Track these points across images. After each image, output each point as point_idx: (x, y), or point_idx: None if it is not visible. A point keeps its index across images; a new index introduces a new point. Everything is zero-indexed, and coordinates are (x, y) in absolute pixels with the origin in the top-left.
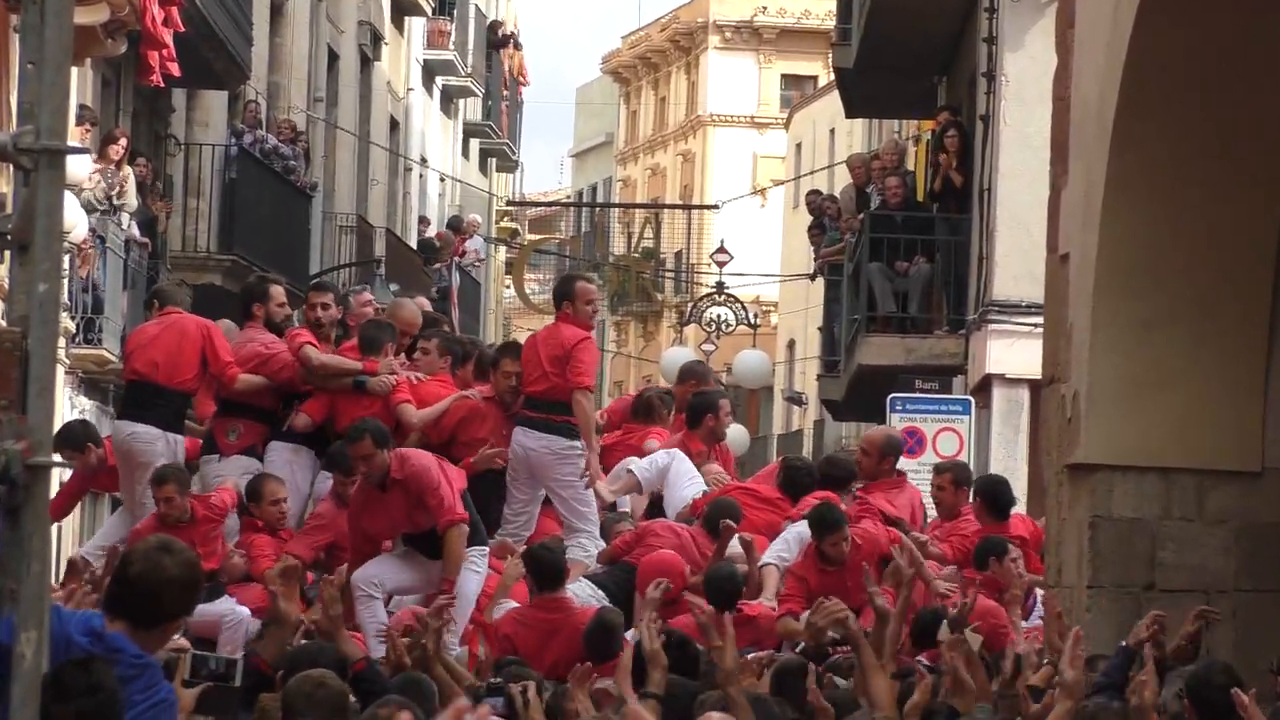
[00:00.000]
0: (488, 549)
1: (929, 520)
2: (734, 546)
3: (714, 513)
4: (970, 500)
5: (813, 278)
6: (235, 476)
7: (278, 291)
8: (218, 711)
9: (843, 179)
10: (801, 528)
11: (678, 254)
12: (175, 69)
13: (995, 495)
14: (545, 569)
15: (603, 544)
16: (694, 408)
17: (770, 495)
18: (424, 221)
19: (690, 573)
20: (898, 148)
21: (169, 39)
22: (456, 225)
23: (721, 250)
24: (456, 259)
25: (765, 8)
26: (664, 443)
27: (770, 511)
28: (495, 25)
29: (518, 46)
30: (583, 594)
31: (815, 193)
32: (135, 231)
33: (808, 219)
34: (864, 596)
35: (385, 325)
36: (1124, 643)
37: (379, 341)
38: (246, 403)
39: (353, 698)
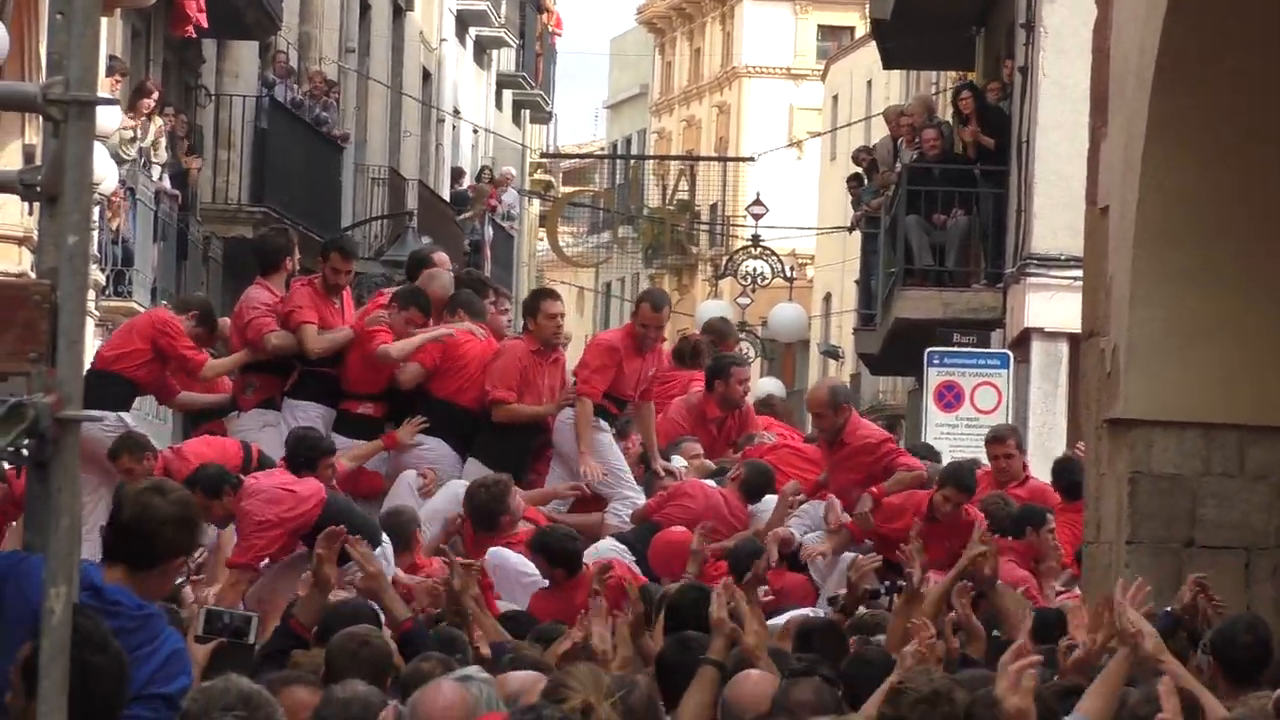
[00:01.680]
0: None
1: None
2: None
3: (752, 476)
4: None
5: (849, 230)
6: (256, 430)
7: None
8: (236, 668)
9: (879, 132)
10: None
11: (713, 207)
12: (204, 19)
13: (1068, 476)
14: (556, 554)
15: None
16: (708, 371)
17: (815, 455)
18: (459, 174)
19: (708, 534)
20: (924, 105)
21: None
22: (490, 178)
23: (757, 203)
24: (489, 212)
25: None
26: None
27: (815, 469)
28: None
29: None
30: (603, 547)
31: (865, 150)
32: (165, 183)
33: (844, 171)
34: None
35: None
36: (1169, 609)
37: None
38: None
39: (398, 658)
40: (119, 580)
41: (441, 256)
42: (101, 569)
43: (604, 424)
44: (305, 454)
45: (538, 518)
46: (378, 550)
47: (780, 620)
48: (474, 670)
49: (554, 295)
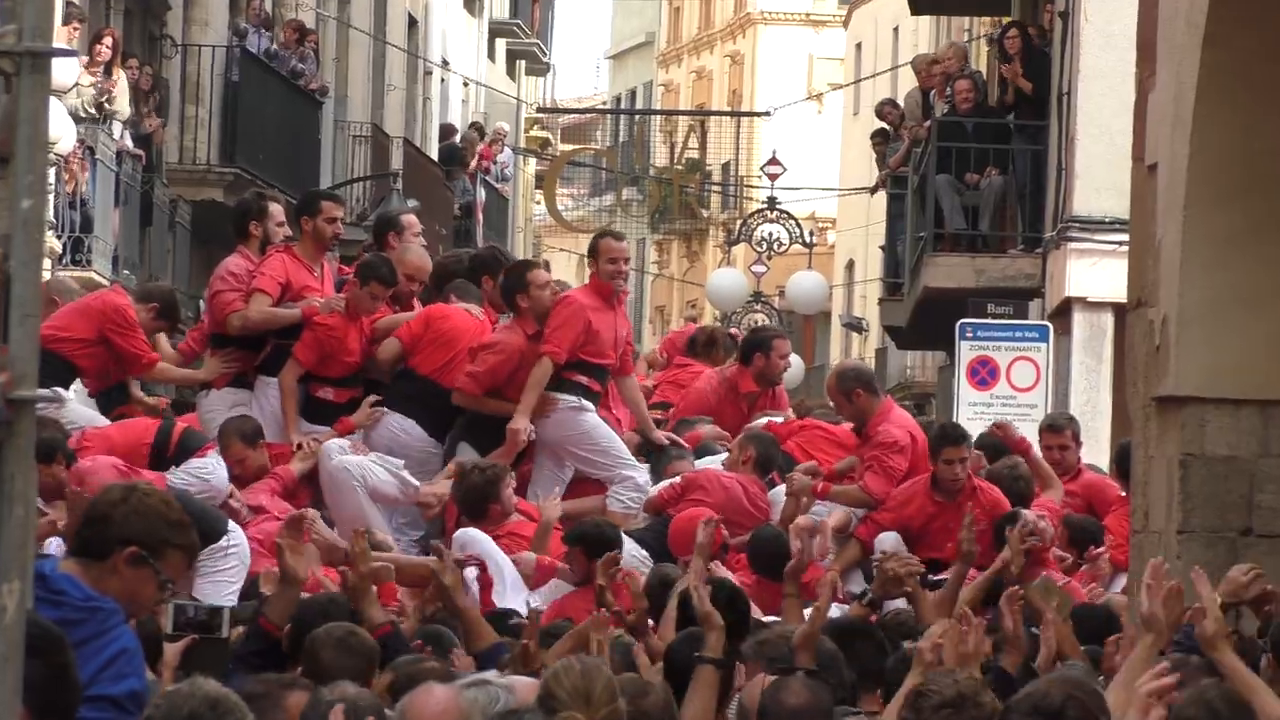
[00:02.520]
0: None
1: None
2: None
3: (761, 451)
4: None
5: (873, 191)
6: (224, 411)
7: (277, 209)
8: (206, 667)
9: (906, 84)
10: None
11: (725, 166)
12: None
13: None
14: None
15: (648, 483)
16: (746, 343)
17: (846, 437)
18: (448, 131)
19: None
20: (959, 51)
21: None
22: (480, 132)
23: (773, 162)
24: (481, 172)
25: None
26: (713, 378)
27: (843, 453)
28: None
29: None
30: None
31: (891, 103)
32: (128, 142)
33: (868, 127)
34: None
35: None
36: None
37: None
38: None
39: None
40: (71, 572)
41: (410, 219)
42: (48, 561)
43: (586, 403)
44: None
45: (531, 510)
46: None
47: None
48: (490, 674)
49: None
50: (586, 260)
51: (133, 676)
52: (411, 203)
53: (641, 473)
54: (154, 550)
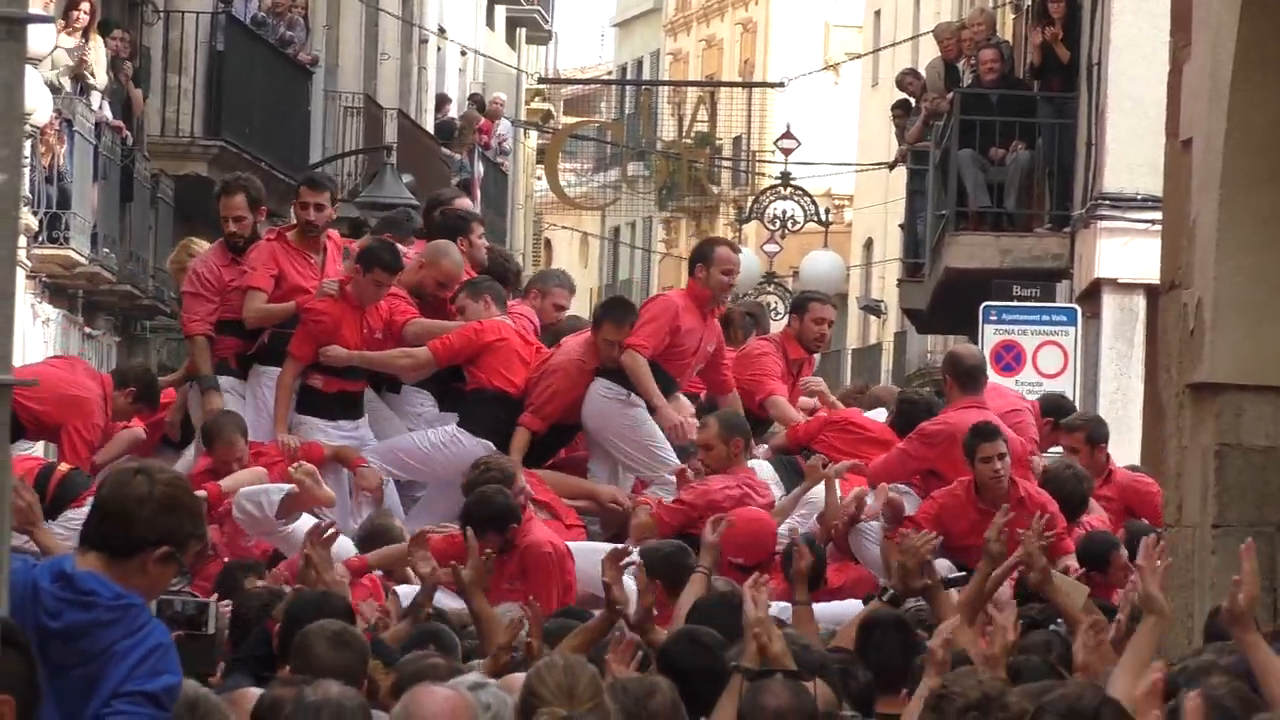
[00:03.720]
0: None
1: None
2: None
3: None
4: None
5: (892, 166)
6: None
7: (230, 203)
8: (194, 664)
9: (928, 53)
10: None
11: (736, 140)
12: None
13: None
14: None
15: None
16: (790, 306)
17: (881, 433)
18: (444, 102)
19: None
20: (987, 16)
21: None
22: (479, 106)
23: (787, 135)
24: (480, 146)
25: None
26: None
27: (881, 452)
28: None
29: None
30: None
31: (912, 73)
32: (107, 113)
33: (888, 99)
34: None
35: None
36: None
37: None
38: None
39: None
40: (94, 569)
41: (465, 202)
42: (66, 559)
43: (634, 397)
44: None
45: (560, 508)
46: None
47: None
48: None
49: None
50: (689, 263)
51: (168, 673)
52: (406, 178)
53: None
54: (180, 545)
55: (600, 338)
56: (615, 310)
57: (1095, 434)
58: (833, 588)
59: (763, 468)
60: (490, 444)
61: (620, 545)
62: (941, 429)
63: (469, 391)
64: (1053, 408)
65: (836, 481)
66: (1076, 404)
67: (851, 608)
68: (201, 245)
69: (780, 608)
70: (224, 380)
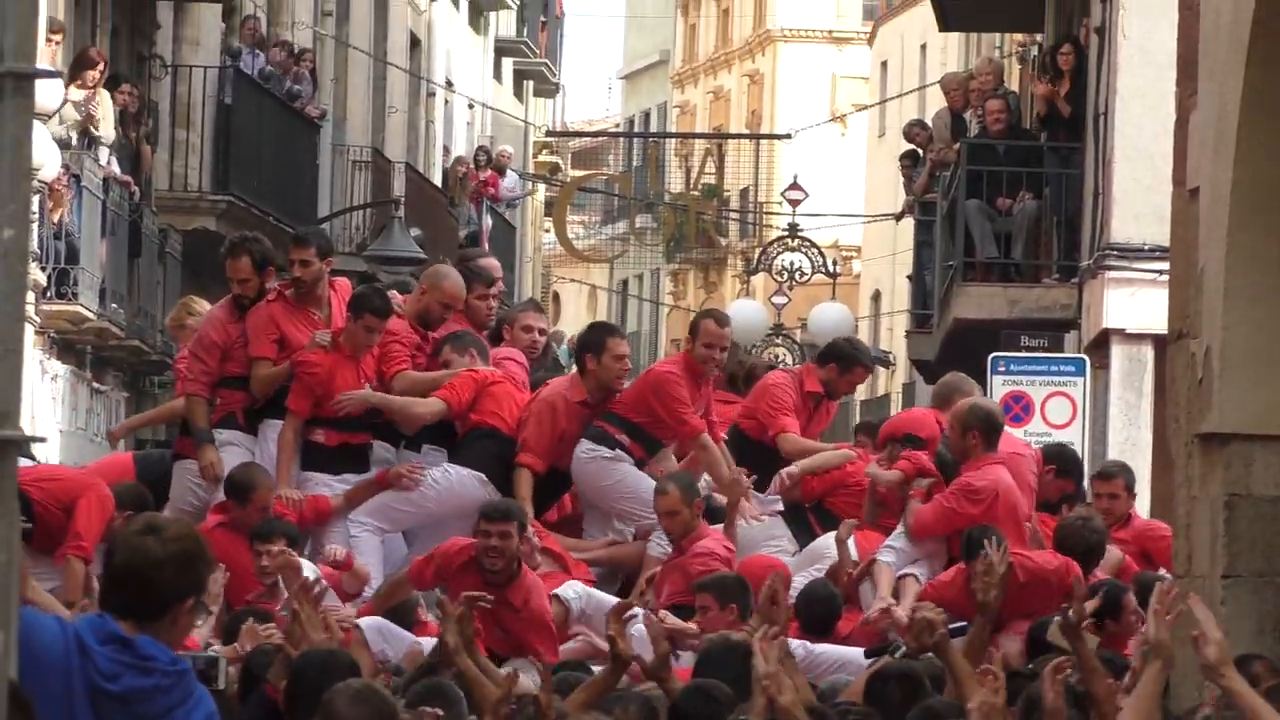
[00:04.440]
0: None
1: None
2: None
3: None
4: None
5: (898, 218)
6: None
7: (235, 266)
8: None
9: (935, 104)
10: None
11: (744, 192)
12: None
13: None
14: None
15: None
16: (833, 347)
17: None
18: (463, 163)
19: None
20: (995, 66)
21: None
22: (486, 159)
23: (795, 187)
24: (488, 199)
25: None
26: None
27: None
28: None
29: None
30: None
31: (919, 124)
32: (115, 168)
33: (894, 150)
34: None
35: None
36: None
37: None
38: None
39: None
40: (136, 633)
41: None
42: (109, 621)
43: (620, 453)
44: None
45: (569, 558)
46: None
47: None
48: None
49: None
50: (687, 336)
51: None
52: (414, 232)
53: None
54: (202, 590)
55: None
56: (591, 340)
57: (1130, 481)
58: (842, 635)
59: (775, 525)
60: (483, 475)
61: (624, 600)
62: (988, 486)
63: (463, 433)
64: (1054, 456)
65: (850, 540)
66: (1085, 454)
67: (853, 654)
68: (202, 304)
69: (793, 645)
70: (231, 434)
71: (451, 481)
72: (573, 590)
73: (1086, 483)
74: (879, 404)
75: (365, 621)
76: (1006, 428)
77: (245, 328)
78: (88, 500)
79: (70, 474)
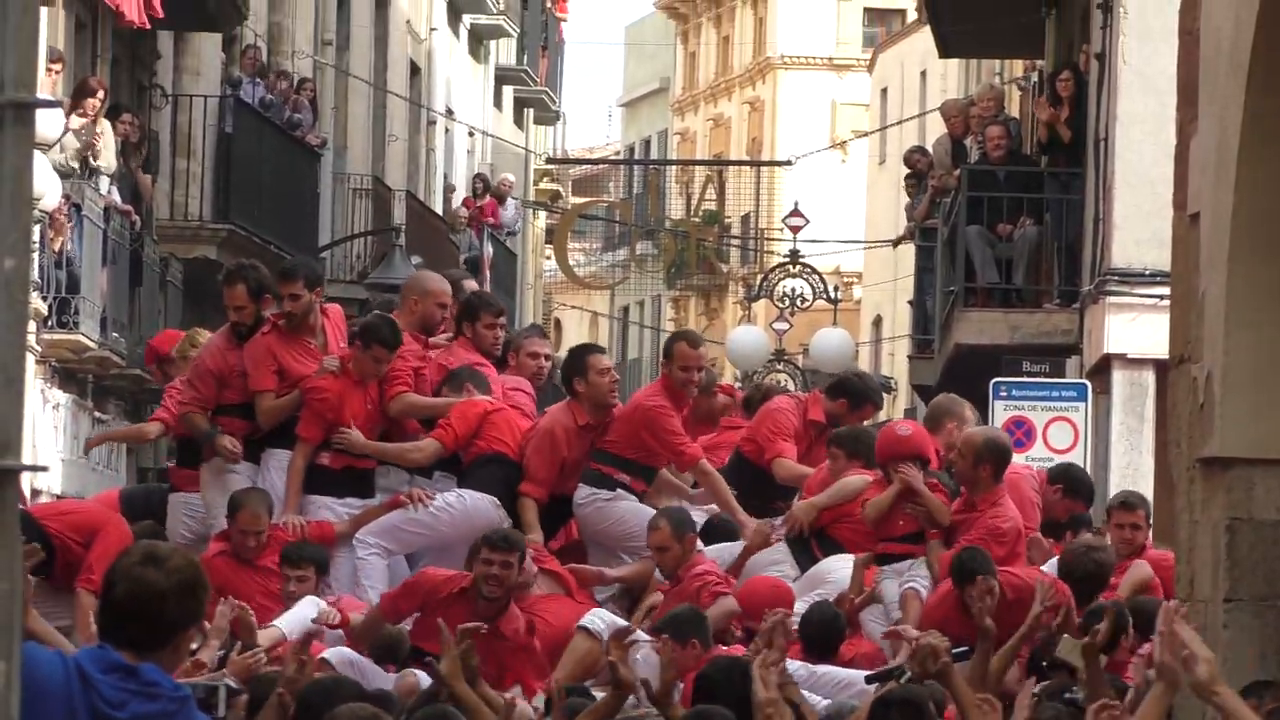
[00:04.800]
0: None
1: None
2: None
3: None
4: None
5: (896, 244)
6: (213, 477)
7: (232, 294)
8: None
9: (935, 130)
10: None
11: (745, 218)
12: (158, 7)
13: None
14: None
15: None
16: (845, 383)
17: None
18: (451, 190)
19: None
20: (996, 93)
21: None
22: (485, 186)
23: (795, 213)
24: (489, 227)
25: None
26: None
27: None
28: None
29: None
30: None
31: (919, 150)
32: (116, 198)
33: (894, 176)
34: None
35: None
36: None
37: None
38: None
39: None
40: (138, 660)
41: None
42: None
43: (620, 491)
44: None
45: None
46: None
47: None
48: None
49: (596, 349)
50: (662, 360)
51: None
52: (415, 260)
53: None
54: (202, 618)
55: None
56: (575, 363)
57: (1149, 512)
58: (844, 660)
59: (777, 549)
60: (496, 499)
61: (625, 624)
62: (1013, 528)
63: (470, 460)
64: (1061, 475)
65: (862, 570)
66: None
67: (855, 675)
68: (206, 336)
69: (794, 667)
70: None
71: (466, 506)
72: (601, 620)
73: (1100, 506)
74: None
75: (334, 653)
76: (1015, 457)
77: (243, 359)
78: (106, 534)
79: (89, 507)
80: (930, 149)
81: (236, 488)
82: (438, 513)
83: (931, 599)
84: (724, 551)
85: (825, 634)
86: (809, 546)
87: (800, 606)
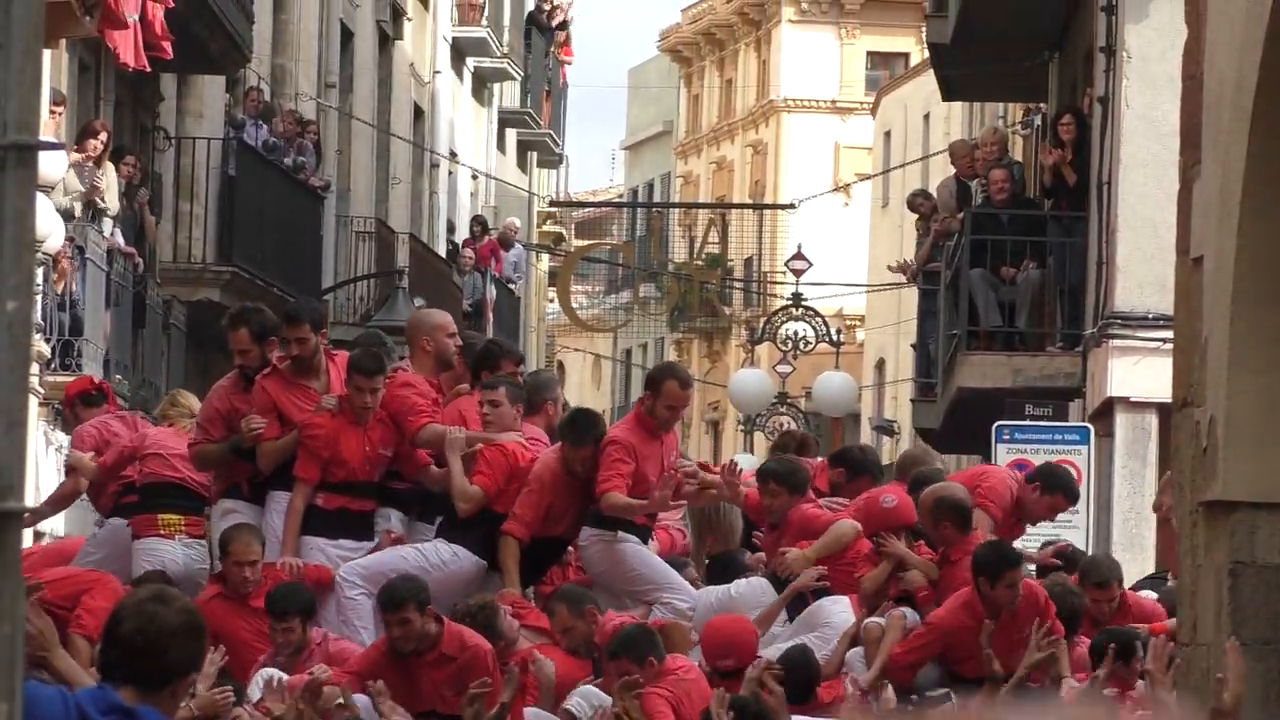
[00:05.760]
0: None
1: None
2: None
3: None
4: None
5: (894, 267)
6: (217, 519)
7: (235, 338)
8: None
9: (938, 174)
10: None
11: (747, 261)
12: (168, 48)
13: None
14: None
15: (689, 605)
16: (848, 455)
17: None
18: (453, 231)
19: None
20: (1000, 136)
21: (159, 15)
22: (483, 228)
23: (798, 256)
24: (492, 272)
25: None
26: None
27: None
28: (550, 7)
29: (562, 28)
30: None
31: (922, 194)
32: (119, 240)
33: (898, 219)
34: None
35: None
36: None
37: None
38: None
39: None
40: (137, 702)
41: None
42: (109, 692)
43: (622, 533)
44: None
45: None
46: None
47: None
48: None
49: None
50: (644, 390)
51: None
52: (418, 302)
53: (682, 596)
54: (201, 665)
55: (563, 454)
56: (569, 433)
57: (1121, 577)
58: (823, 703)
59: (766, 590)
60: (485, 563)
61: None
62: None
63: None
64: (1038, 473)
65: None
66: (1090, 522)
67: None
68: (188, 397)
69: None
70: (235, 503)
71: (460, 565)
72: (586, 702)
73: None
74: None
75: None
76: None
77: (251, 402)
78: (100, 587)
79: (80, 573)
80: (934, 192)
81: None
82: (428, 568)
83: (949, 606)
84: (711, 594)
85: (802, 678)
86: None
87: (796, 643)
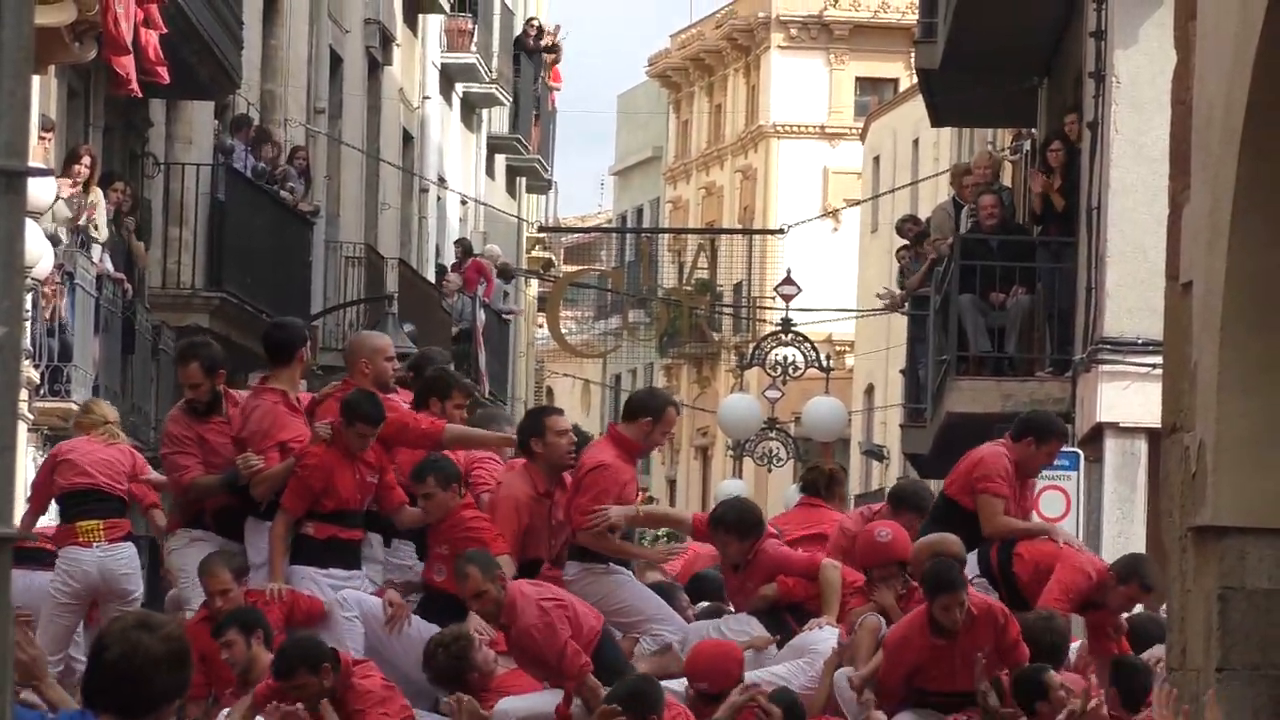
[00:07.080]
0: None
1: None
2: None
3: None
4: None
5: (885, 297)
6: (182, 546)
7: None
8: None
9: (928, 198)
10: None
11: (737, 286)
12: (164, 73)
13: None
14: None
15: (677, 637)
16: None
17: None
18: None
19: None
20: (992, 160)
21: (153, 40)
22: (466, 251)
23: (788, 281)
24: (481, 298)
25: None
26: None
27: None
28: (538, 31)
29: (551, 51)
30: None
31: (911, 219)
32: (108, 265)
33: (887, 244)
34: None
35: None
36: None
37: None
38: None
39: None
40: None
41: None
42: (89, 717)
43: (612, 565)
44: None
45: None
46: None
47: None
48: None
49: (555, 410)
50: (639, 417)
51: None
52: (408, 328)
53: (670, 628)
54: (186, 692)
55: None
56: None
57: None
58: None
59: (750, 620)
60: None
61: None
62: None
63: None
64: (1029, 427)
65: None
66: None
67: None
68: (102, 405)
69: None
70: (198, 533)
71: (422, 641)
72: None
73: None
74: (873, 498)
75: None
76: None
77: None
78: None
79: None
80: (922, 218)
81: (203, 554)
82: (399, 636)
83: (895, 629)
84: (706, 628)
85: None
86: (783, 620)
87: (782, 670)
